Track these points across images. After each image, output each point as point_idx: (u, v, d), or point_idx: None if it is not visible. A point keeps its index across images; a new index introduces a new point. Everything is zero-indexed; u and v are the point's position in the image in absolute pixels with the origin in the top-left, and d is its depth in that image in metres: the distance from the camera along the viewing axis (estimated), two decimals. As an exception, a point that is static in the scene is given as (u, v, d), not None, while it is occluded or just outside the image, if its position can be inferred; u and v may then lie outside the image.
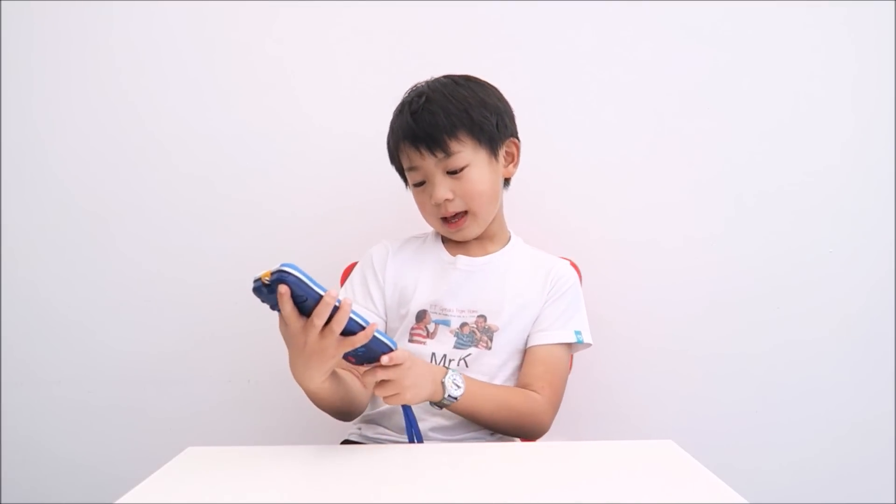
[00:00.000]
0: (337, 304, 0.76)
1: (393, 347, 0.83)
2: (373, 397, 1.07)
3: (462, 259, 1.11)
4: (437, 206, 1.05)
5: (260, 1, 1.40)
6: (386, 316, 1.11)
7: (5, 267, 1.44)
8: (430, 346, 1.06)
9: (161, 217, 1.42)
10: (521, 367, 1.08)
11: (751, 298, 1.40)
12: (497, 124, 1.07)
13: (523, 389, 1.04)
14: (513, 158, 1.13)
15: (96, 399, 1.44)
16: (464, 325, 1.07)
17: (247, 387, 1.43)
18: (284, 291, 0.74)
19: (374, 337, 0.80)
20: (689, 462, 0.77)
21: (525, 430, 1.03)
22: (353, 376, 1.00)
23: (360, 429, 1.10)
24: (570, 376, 1.26)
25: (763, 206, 1.39)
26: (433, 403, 0.95)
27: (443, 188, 1.04)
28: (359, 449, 0.92)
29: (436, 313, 1.07)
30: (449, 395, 0.93)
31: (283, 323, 0.79)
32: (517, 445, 1.06)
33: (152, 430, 1.42)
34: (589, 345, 1.11)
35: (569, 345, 1.09)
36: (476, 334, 1.06)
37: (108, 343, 1.43)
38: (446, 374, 0.94)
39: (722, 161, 1.39)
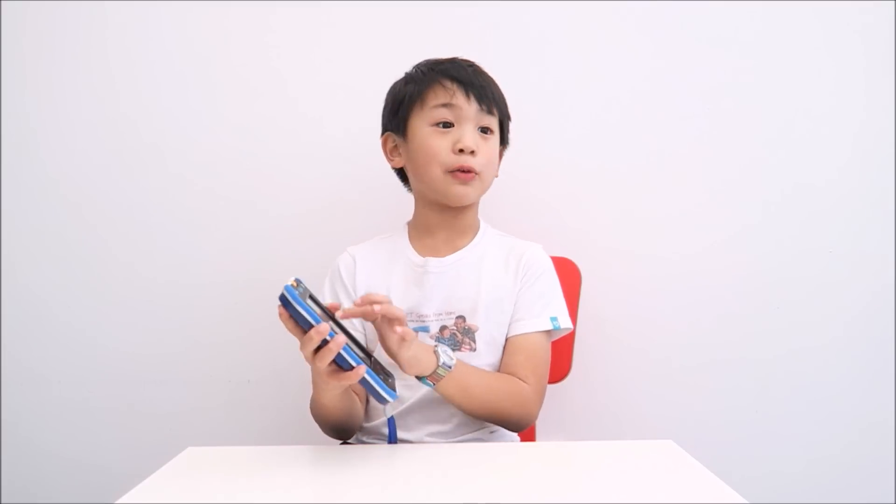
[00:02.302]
0: (329, 337, 0.76)
1: (390, 398, 0.81)
2: (366, 414, 1.07)
3: (432, 261, 1.08)
4: (460, 152, 1.02)
5: (249, 0, 1.40)
6: (364, 328, 1.08)
7: (5, 268, 1.44)
8: None
9: (161, 217, 1.42)
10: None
11: (751, 299, 1.40)
12: (508, 125, 1.13)
13: (512, 377, 1.02)
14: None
15: (96, 399, 1.44)
16: (443, 328, 1.05)
17: (247, 387, 1.43)
18: (281, 312, 0.76)
19: (368, 382, 0.79)
20: (689, 462, 0.77)
21: (513, 417, 1.01)
22: (355, 398, 1.01)
23: (356, 436, 1.10)
24: (570, 376, 1.27)
25: (763, 208, 1.39)
26: (425, 380, 0.91)
27: (475, 136, 1.04)
28: (359, 449, 0.92)
29: (413, 321, 1.05)
30: (443, 364, 0.90)
31: None
32: (516, 446, 1.06)
33: (152, 430, 1.42)
34: (568, 329, 1.08)
35: (548, 332, 1.07)
36: (458, 336, 1.04)
37: (108, 343, 1.43)
38: (437, 346, 0.92)
39: (724, 166, 1.39)
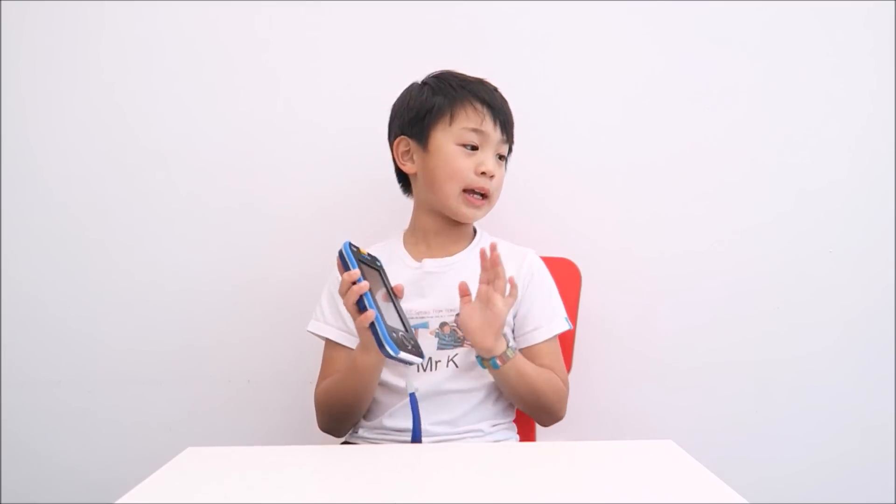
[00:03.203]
0: (359, 280, 0.90)
1: (389, 349, 0.87)
2: (369, 412, 1.09)
3: (428, 262, 1.11)
4: (481, 175, 1.07)
5: (246, 1, 1.40)
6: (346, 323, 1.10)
7: (5, 267, 1.43)
8: None
9: (160, 217, 1.42)
10: None
11: (750, 298, 1.40)
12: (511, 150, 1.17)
13: (553, 373, 1.08)
14: None
15: (96, 399, 1.43)
16: (443, 324, 1.07)
17: (247, 387, 1.43)
18: (337, 262, 0.92)
19: (374, 326, 0.89)
20: (689, 462, 0.77)
21: (552, 409, 1.07)
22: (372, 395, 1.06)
23: (355, 432, 1.10)
24: (570, 376, 1.27)
25: (763, 209, 1.39)
26: (494, 360, 0.98)
27: (495, 162, 1.09)
28: (359, 449, 0.93)
29: (413, 318, 1.06)
30: (511, 346, 1.00)
31: None
32: (517, 445, 1.07)
33: (152, 430, 1.42)
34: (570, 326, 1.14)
35: (558, 333, 1.11)
36: (458, 333, 1.06)
37: (108, 343, 1.43)
38: (504, 331, 1.00)
39: (724, 166, 1.39)
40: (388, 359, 0.89)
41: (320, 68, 1.40)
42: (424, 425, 1.02)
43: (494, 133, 1.08)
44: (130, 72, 1.41)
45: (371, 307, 0.89)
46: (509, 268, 1.09)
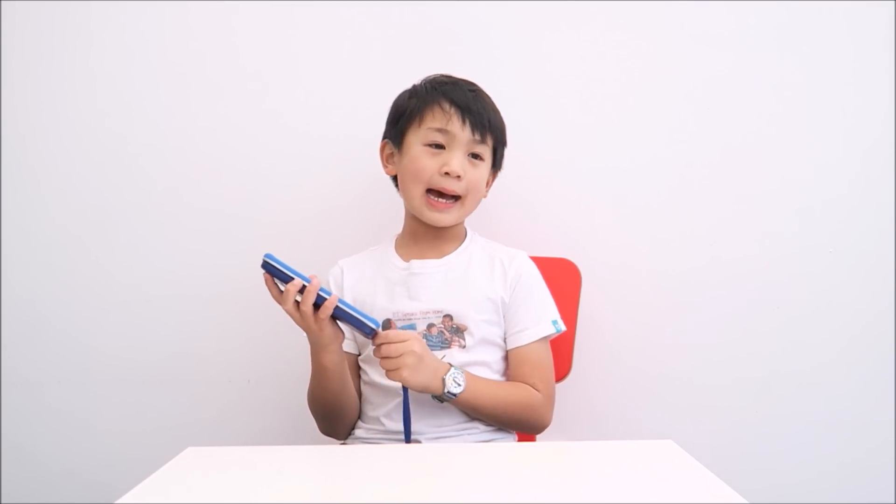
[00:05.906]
0: (306, 283, 0.91)
1: (373, 325, 0.93)
2: (364, 414, 1.09)
3: (416, 263, 1.11)
4: (446, 175, 1.05)
5: (240, 2, 1.40)
6: (355, 336, 1.11)
7: (5, 267, 1.43)
8: None
9: (160, 217, 1.42)
10: (499, 360, 1.10)
11: (750, 298, 1.40)
12: (503, 150, 1.15)
13: (525, 385, 1.06)
14: (488, 184, 1.16)
15: (96, 399, 1.43)
16: (430, 325, 1.07)
17: (247, 387, 1.43)
18: (266, 278, 0.93)
19: (347, 312, 0.92)
20: (689, 462, 0.77)
21: (525, 426, 1.08)
22: (349, 377, 1.07)
23: (352, 433, 1.11)
24: (570, 376, 1.27)
25: (763, 207, 1.39)
26: (434, 397, 1.00)
27: (463, 162, 1.06)
28: (359, 449, 0.93)
29: (400, 320, 1.07)
30: (448, 392, 0.97)
31: None
32: (516, 445, 1.07)
33: (152, 431, 1.42)
34: (563, 329, 1.12)
35: (547, 336, 1.10)
36: (445, 334, 1.06)
37: (108, 343, 1.43)
38: (448, 370, 0.98)
39: (726, 168, 1.39)
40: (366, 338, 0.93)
41: (313, 75, 1.40)
42: (418, 426, 1.02)
43: (463, 133, 1.06)
44: (122, 80, 1.41)
45: (328, 295, 0.91)
46: (496, 271, 1.11)
